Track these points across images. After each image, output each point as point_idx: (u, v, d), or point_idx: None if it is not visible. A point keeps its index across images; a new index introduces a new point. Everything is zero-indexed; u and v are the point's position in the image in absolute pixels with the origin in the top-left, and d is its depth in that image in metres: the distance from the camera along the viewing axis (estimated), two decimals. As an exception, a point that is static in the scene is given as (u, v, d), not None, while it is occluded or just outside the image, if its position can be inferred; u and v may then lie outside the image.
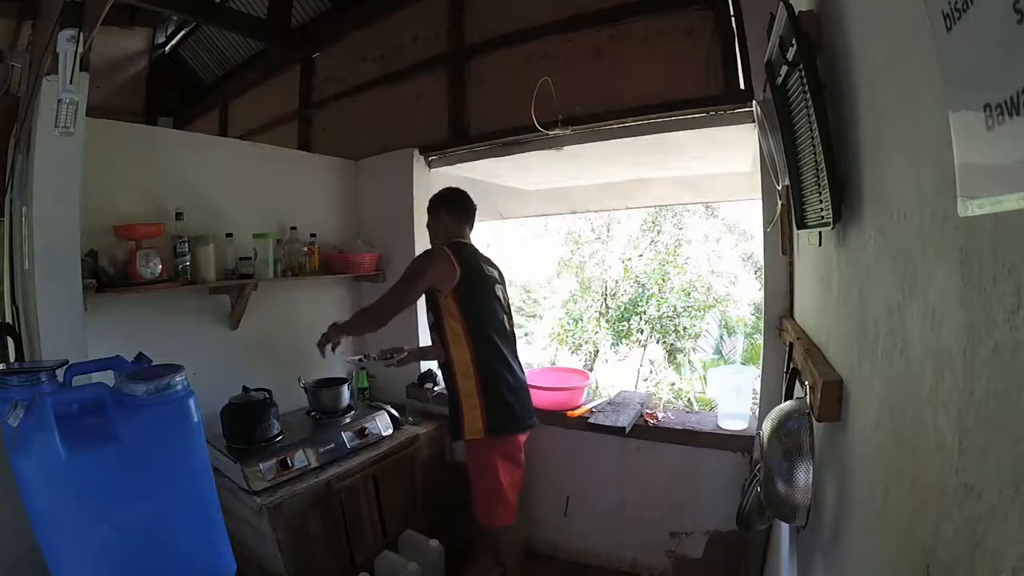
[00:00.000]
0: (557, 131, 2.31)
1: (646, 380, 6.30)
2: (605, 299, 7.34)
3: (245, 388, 2.13)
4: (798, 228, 1.24)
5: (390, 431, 2.41)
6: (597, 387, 3.74)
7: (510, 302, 2.26)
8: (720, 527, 2.16)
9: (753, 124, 1.77)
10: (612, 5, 2.29)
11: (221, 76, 4.49)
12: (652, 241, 7.39)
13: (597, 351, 7.04)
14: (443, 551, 2.28)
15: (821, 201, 0.98)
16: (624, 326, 6.78)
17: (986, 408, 0.42)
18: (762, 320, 1.99)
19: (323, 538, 2.03)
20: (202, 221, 2.16)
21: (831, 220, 0.91)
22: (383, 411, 2.45)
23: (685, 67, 2.13)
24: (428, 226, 2.18)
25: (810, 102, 0.94)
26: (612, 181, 3.37)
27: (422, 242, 2.78)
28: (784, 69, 1.07)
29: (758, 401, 2.04)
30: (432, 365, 2.72)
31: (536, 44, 2.48)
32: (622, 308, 6.82)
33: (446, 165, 2.80)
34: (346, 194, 2.92)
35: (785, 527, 1.50)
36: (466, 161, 2.75)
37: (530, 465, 2.25)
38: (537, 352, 7.38)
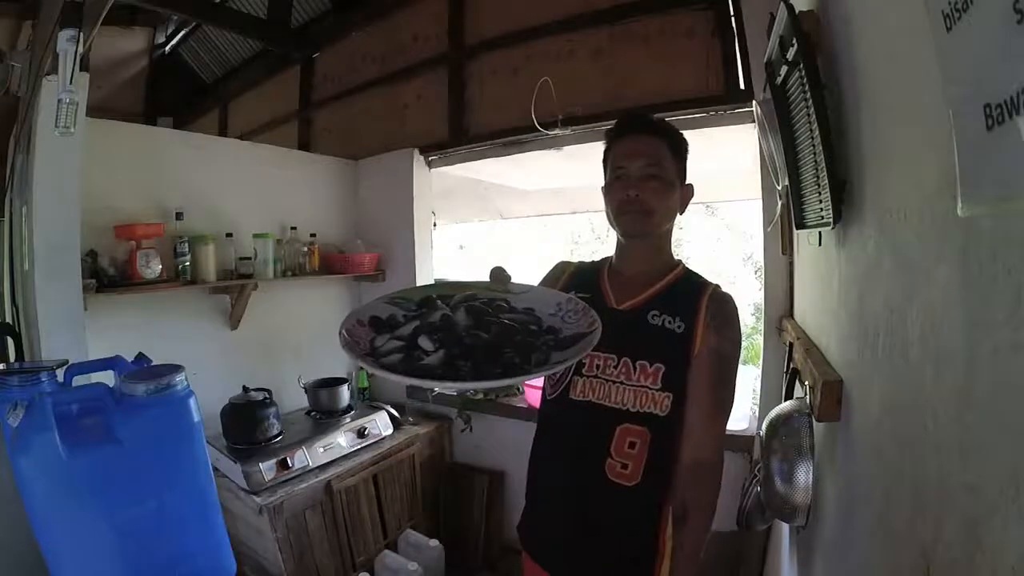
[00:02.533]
0: (557, 131, 2.31)
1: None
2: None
3: (245, 388, 2.13)
4: (798, 228, 1.24)
5: (390, 431, 2.41)
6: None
7: None
8: (720, 527, 2.15)
9: (753, 124, 1.77)
10: (612, 5, 2.29)
11: (221, 76, 4.49)
12: (652, 241, 7.38)
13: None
14: (443, 551, 2.28)
15: (821, 201, 0.98)
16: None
17: (986, 408, 0.42)
18: (762, 320, 1.99)
19: (323, 538, 2.03)
20: (202, 221, 2.16)
21: (831, 220, 0.91)
22: (383, 411, 2.45)
23: (685, 67, 2.13)
24: (666, 191, 1.03)
25: (810, 102, 0.94)
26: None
27: (422, 242, 2.79)
28: (784, 69, 1.08)
29: (758, 401, 2.04)
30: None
31: (536, 44, 2.48)
32: (622, 308, 6.82)
33: (446, 165, 2.81)
34: (346, 194, 2.93)
35: (785, 527, 1.50)
36: (466, 161, 2.75)
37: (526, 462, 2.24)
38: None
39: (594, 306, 0.98)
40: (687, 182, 1.08)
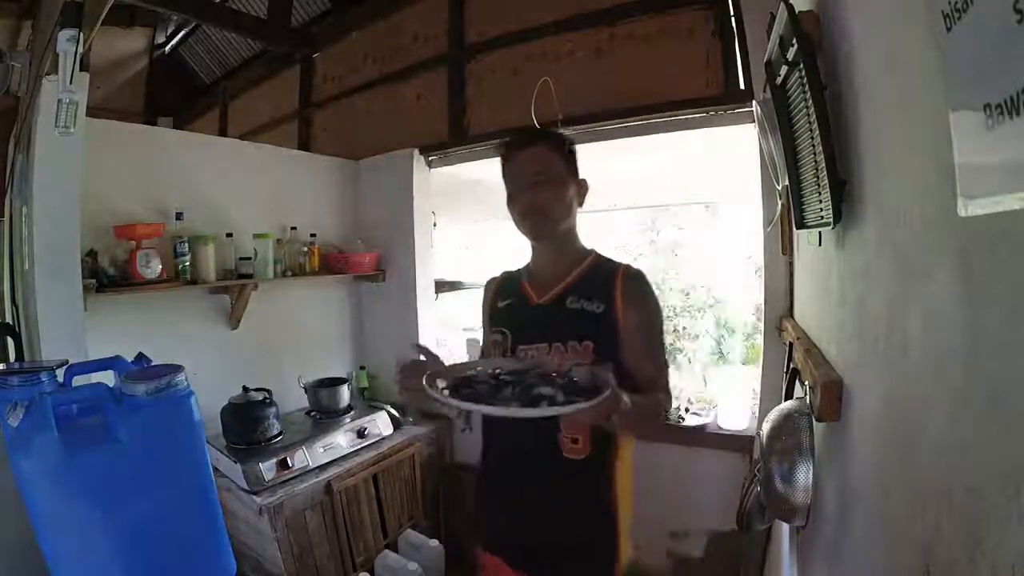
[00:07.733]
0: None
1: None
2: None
3: (245, 388, 2.13)
4: (798, 228, 1.24)
5: (390, 431, 2.41)
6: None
7: None
8: (720, 527, 2.15)
9: (753, 124, 1.77)
10: (612, 5, 2.29)
11: (221, 76, 4.49)
12: (651, 241, 7.39)
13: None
14: (443, 551, 2.28)
15: (821, 201, 0.98)
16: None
17: (986, 408, 0.42)
18: (762, 320, 1.99)
19: (323, 538, 2.03)
20: (202, 221, 2.16)
21: (831, 220, 0.91)
22: (383, 411, 2.45)
23: (685, 67, 2.13)
24: (557, 191, 1.12)
25: (810, 102, 0.94)
26: (612, 181, 3.37)
27: (422, 242, 2.79)
28: (784, 69, 1.08)
29: (758, 401, 2.04)
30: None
31: (536, 44, 2.48)
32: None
33: (446, 165, 2.80)
34: (346, 194, 2.92)
35: (785, 527, 1.50)
36: (466, 161, 2.74)
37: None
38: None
39: (520, 306, 1.18)
40: (580, 177, 1.17)
